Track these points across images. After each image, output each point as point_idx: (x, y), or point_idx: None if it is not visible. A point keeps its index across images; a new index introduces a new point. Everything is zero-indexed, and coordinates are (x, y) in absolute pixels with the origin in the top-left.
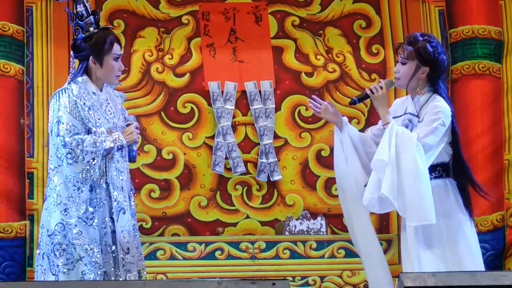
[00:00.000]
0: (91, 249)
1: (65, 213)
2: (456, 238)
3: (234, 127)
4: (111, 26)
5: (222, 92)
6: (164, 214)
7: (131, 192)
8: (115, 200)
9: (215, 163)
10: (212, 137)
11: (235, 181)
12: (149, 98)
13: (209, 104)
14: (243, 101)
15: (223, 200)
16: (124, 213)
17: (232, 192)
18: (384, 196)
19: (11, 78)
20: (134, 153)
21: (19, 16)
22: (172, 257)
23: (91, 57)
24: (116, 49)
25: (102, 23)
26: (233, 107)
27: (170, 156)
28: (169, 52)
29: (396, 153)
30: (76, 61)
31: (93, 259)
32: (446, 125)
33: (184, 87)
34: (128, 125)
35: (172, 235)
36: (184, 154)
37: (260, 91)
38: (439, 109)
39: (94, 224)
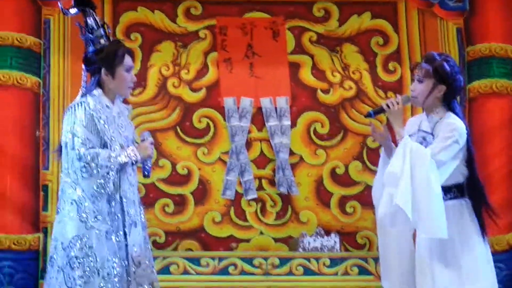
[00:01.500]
0: (109, 261)
1: (84, 225)
2: (470, 258)
3: (249, 143)
4: (122, 39)
5: (238, 107)
6: (178, 229)
7: (140, 205)
8: (128, 214)
9: (225, 187)
10: (227, 152)
11: (250, 197)
12: (165, 113)
13: (225, 120)
14: (258, 117)
15: (237, 216)
16: (135, 226)
17: (246, 208)
18: (396, 211)
19: (28, 90)
20: (149, 168)
21: (36, 28)
22: (185, 272)
23: (103, 70)
24: (128, 61)
25: (119, 37)
26: (249, 124)
27: (185, 171)
28: (186, 67)
29: (410, 168)
30: (88, 74)
31: (111, 272)
32: (461, 144)
33: (200, 102)
34: (142, 140)
35: (186, 250)
36: (199, 169)
37: (276, 108)
38: (454, 126)
39: (113, 237)
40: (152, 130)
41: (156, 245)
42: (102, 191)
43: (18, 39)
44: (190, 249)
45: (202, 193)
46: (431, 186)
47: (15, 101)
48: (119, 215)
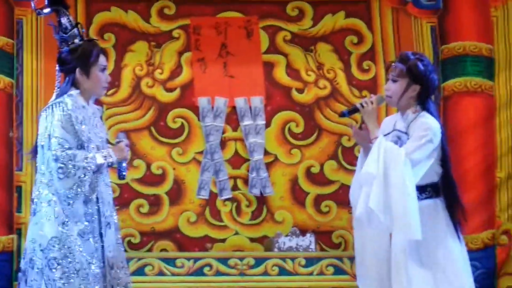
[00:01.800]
0: (88, 264)
1: (62, 227)
2: (446, 258)
3: (224, 142)
4: (95, 38)
5: (212, 107)
6: (152, 229)
7: (113, 206)
8: (103, 215)
9: (200, 186)
10: (202, 152)
11: (224, 197)
12: (139, 113)
13: (199, 119)
14: (233, 117)
15: (212, 215)
16: (110, 228)
17: (221, 208)
18: (372, 211)
19: (1, 91)
20: (124, 170)
21: (9, 29)
22: (161, 273)
23: (78, 69)
24: (102, 60)
25: (93, 37)
26: (223, 124)
27: (160, 171)
28: (160, 67)
29: (384, 168)
30: (62, 75)
31: (91, 272)
32: (435, 143)
33: (174, 102)
34: (118, 142)
35: (161, 250)
36: (174, 169)
37: (250, 107)
38: (428, 125)
39: (90, 238)
40: (127, 130)
41: (131, 245)
42: (79, 191)
43: None
44: (165, 250)
45: (177, 193)
46: (406, 186)
47: None
48: (95, 216)
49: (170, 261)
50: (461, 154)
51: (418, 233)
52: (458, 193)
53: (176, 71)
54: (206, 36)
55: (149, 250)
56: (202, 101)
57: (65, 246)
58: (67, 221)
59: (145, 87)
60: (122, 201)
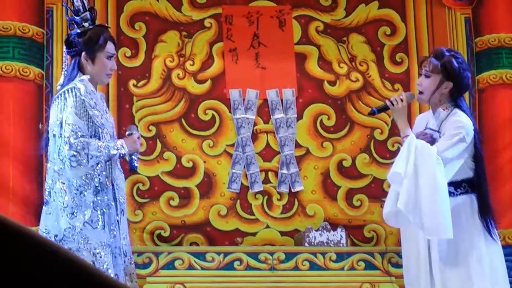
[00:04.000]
0: (98, 253)
1: (72, 217)
2: (481, 254)
3: (255, 135)
4: (107, 25)
5: (244, 100)
6: (183, 222)
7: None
8: (119, 202)
9: (231, 179)
10: (233, 145)
11: (255, 190)
12: (170, 105)
13: (231, 112)
14: (264, 109)
15: (243, 209)
16: (123, 215)
17: (252, 201)
18: (400, 210)
19: (31, 82)
20: (136, 162)
21: (39, 18)
22: (191, 267)
23: (83, 53)
24: (110, 48)
25: (123, 26)
26: (254, 116)
27: (190, 164)
28: (191, 58)
29: (414, 166)
30: (69, 58)
31: (105, 261)
32: (467, 141)
33: (205, 93)
34: (129, 134)
35: (191, 244)
36: (204, 162)
37: (282, 100)
38: (460, 124)
39: (99, 227)
40: (157, 122)
41: (161, 238)
42: (90, 181)
43: (21, 29)
44: (196, 243)
45: (207, 186)
46: (437, 184)
47: (18, 93)
48: (112, 203)
49: (200, 255)
50: (496, 148)
51: (449, 232)
52: (488, 192)
53: (207, 63)
54: (238, 26)
55: (179, 243)
56: (234, 94)
57: (81, 236)
58: (76, 211)
59: (176, 78)
60: (152, 194)
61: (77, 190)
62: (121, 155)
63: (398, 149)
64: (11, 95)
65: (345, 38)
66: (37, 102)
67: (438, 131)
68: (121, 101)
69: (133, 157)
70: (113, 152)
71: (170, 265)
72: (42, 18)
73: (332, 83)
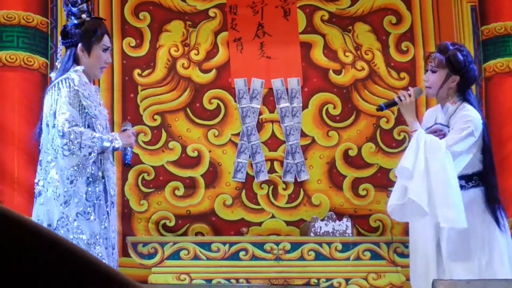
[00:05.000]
0: (93, 243)
1: (65, 206)
2: (491, 246)
3: (260, 124)
4: (104, 18)
5: (249, 89)
6: (188, 212)
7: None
8: (109, 194)
9: (236, 169)
10: (238, 134)
11: (261, 180)
12: (175, 94)
13: (236, 101)
14: (270, 98)
15: (248, 199)
16: (113, 207)
17: (258, 191)
18: (407, 203)
19: (35, 71)
20: (130, 156)
21: (43, 7)
22: (196, 257)
23: (79, 45)
24: (106, 40)
25: (128, 16)
26: (259, 105)
27: (195, 154)
28: (195, 47)
29: (425, 160)
30: (63, 48)
31: (97, 252)
32: (476, 136)
33: (210, 83)
34: (124, 130)
35: (196, 233)
36: (210, 151)
37: (287, 89)
38: (469, 118)
39: (91, 218)
40: (162, 112)
41: (166, 228)
42: (82, 171)
43: (25, 18)
44: (201, 233)
45: (212, 176)
46: (448, 177)
47: (23, 83)
48: (103, 194)
49: (206, 245)
50: (503, 136)
51: (463, 221)
52: (496, 184)
53: (212, 52)
54: (242, 16)
55: (184, 233)
56: (239, 83)
57: (73, 226)
58: (69, 201)
59: (181, 68)
60: (157, 184)
61: (68, 179)
62: (115, 148)
63: (404, 138)
64: (16, 85)
65: (350, 27)
66: (41, 92)
67: (447, 126)
68: (126, 91)
69: (127, 150)
70: (106, 144)
71: (175, 255)
72: (46, 7)
73: (338, 72)
